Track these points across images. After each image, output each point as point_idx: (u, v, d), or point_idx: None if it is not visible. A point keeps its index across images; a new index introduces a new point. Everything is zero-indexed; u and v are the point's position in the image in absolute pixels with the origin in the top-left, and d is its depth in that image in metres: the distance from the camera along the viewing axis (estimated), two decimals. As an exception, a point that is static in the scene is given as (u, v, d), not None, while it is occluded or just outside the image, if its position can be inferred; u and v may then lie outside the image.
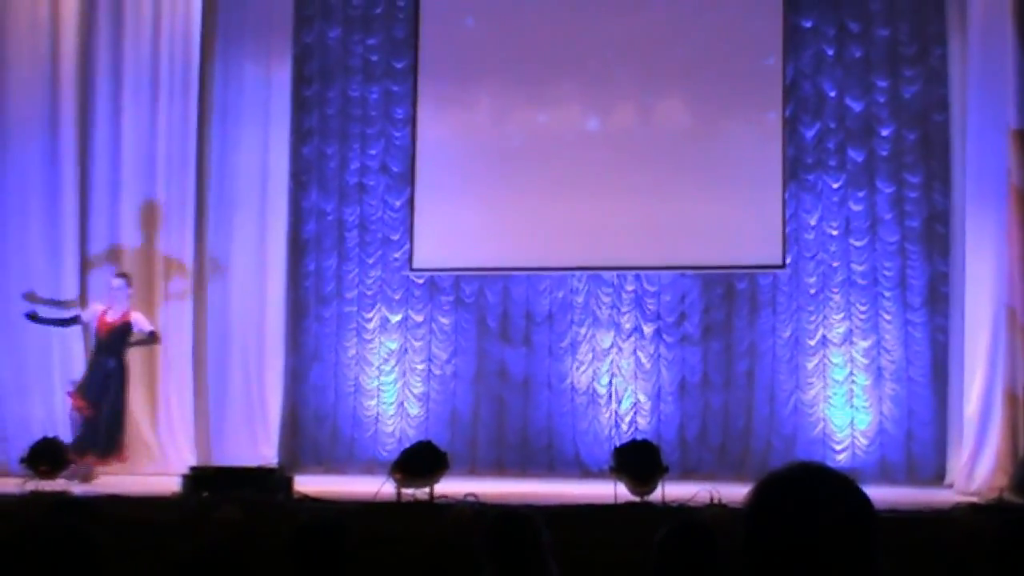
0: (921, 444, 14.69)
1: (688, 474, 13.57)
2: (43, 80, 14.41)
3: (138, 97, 14.68)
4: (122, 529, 7.24)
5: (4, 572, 4.26)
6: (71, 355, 14.20)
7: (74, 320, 14.01)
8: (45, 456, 12.18)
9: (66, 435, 13.14)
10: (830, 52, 15.25)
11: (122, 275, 13.93)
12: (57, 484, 11.77)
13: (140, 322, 13.75)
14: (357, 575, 4.97)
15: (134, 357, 14.11)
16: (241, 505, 9.88)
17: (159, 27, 14.70)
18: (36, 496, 10.66)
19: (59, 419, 13.78)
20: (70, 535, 4.32)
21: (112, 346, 13.61)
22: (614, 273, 15.53)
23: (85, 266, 14.66)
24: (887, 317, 14.91)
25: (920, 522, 9.46)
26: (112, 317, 13.59)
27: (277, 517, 9.40)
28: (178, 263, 14.86)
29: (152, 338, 13.95)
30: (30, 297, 14.03)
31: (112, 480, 12.87)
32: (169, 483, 11.52)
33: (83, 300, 14.45)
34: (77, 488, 11.57)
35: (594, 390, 15.51)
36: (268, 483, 11.22)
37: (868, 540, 2.44)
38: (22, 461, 12.10)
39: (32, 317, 13.77)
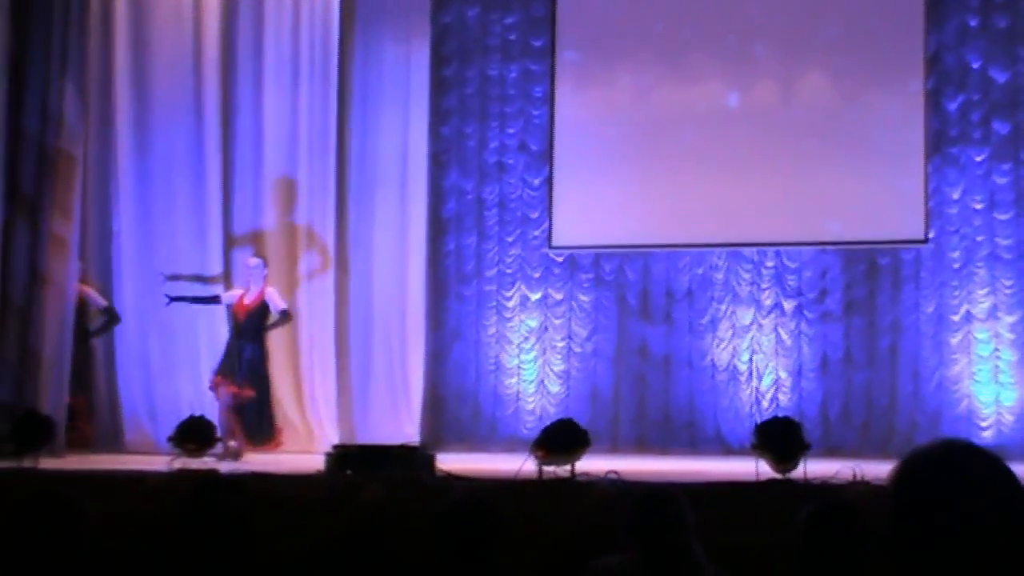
0: (1071, 421, 14.50)
1: (831, 452, 13.45)
2: (187, 65, 14.63)
3: (279, 80, 14.85)
4: (268, 507, 7.32)
5: (153, 547, 4.34)
6: (218, 336, 14.35)
7: (214, 299, 14.16)
8: (193, 434, 12.34)
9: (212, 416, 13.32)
10: (973, 22, 15.02)
11: (259, 255, 14.06)
12: (204, 462, 11.94)
13: (274, 299, 13.80)
14: (502, 553, 5.00)
15: (277, 338, 14.27)
16: (385, 483, 9.97)
17: (299, 10, 14.86)
18: (184, 474, 10.82)
19: (207, 399, 13.94)
20: (218, 512, 4.39)
21: (251, 331, 13.73)
22: (754, 249, 15.45)
23: (229, 247, 14.86)
24: (1034, 292, 14.71)
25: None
26: (250, 299, 13.68)
27: (420, 495, 9.47)
28: (320, 244, 15.01)
29: (285, 317, 13.99)
30: (173, 278, 14.21)
31: (258, 459, 13.03)
32: (314, 461, 11.62)
33: (227, 282, 14.63)
34: (224, 466, 11.72)
35: (735, 367, 15.45)
36: (411, 461, 11.28)
37: (1019, 519, 2.42)
38: (170, 439, 12.26)
39: (174, 299, 13.99)
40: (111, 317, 14.27)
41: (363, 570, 5.31)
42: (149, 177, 14.59)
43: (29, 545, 4.66)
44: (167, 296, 13.99)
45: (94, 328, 14.24)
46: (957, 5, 15.03)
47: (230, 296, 14.01)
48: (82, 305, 13.99)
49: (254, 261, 13.88)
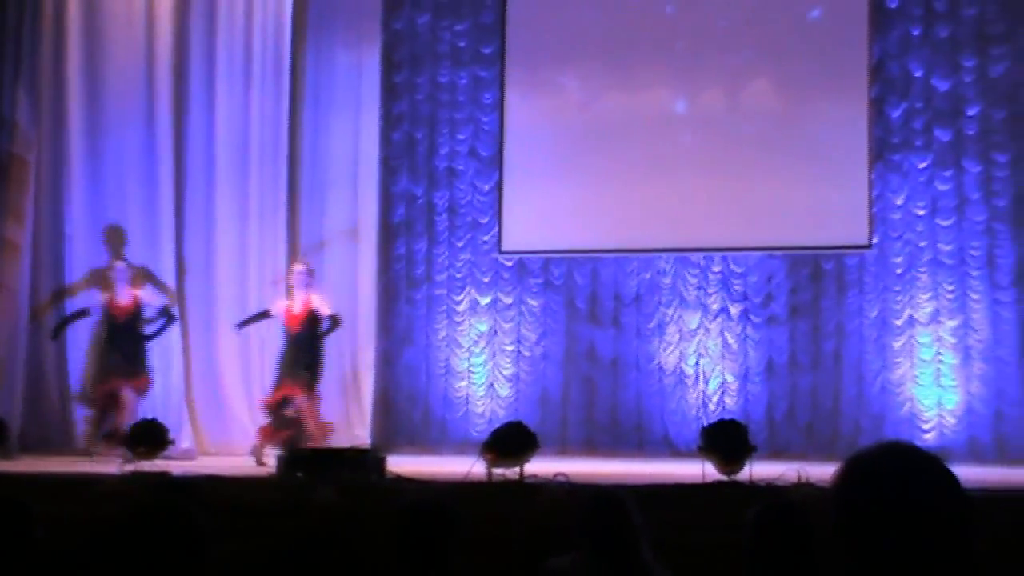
0: (1010, 423, 14.56)
1: (776, 454, 13.53)
2: (139, 69, 14.60)
3: (232, 84, 14.83)
4: (220, 509, 7.32)
5: (106, 550, 4.33)
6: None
7: (265, 314, 14.02)
8: (144, 437, 12.25)
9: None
10: (916, 32, 15.14)
11: (303, 262, 13.97)
12: (156, 465, 11.89)
13: (320, 306, 13.68)
14: (455, 554, 5.01)
15: (231, 340, 14.25)
16: (337, 487, 9.98)
17: (251, 15, 14.86)
18: (136, 476, 10.79)
19: (160, 402, 13.88)
20: (171, 515, 4.39)
21: (306, 339, 13.61)
22: (701, 254, 15.53)
23: (180, 250, 14.77)
24: (975, 297, 14.80)
25: (1011, 501, 9.41)
26: (298, 309, 13.59)
27: (372, 497, 9.49)
28: (271, 248, 14.96)
29: (334, 323, 13.87)
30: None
31: (209, 461, 13.01)
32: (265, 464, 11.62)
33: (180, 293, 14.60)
34: (175, 468, 11.67)
35: (682, 371, 15.52)
36: (362, 464, 11.28)
37: (962, 520, 2.45)
38: (122, 442, 12.26)
39: (241, 325, 13.98)
40: (168, 317, 14.13)
41: (317, 571, 5.32)
42: (101, 180, 14.55)
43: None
44: (237, 326, 14.01)
45: (153, 330, 14.07)
46: (900, 15, 15.15)
47: (278, 308, 13.88)
48: (136, 308, 13.87)
49: (299, 267, 13.74)
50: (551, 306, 15.79)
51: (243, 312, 14.43)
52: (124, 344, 13.82)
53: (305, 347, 13.57)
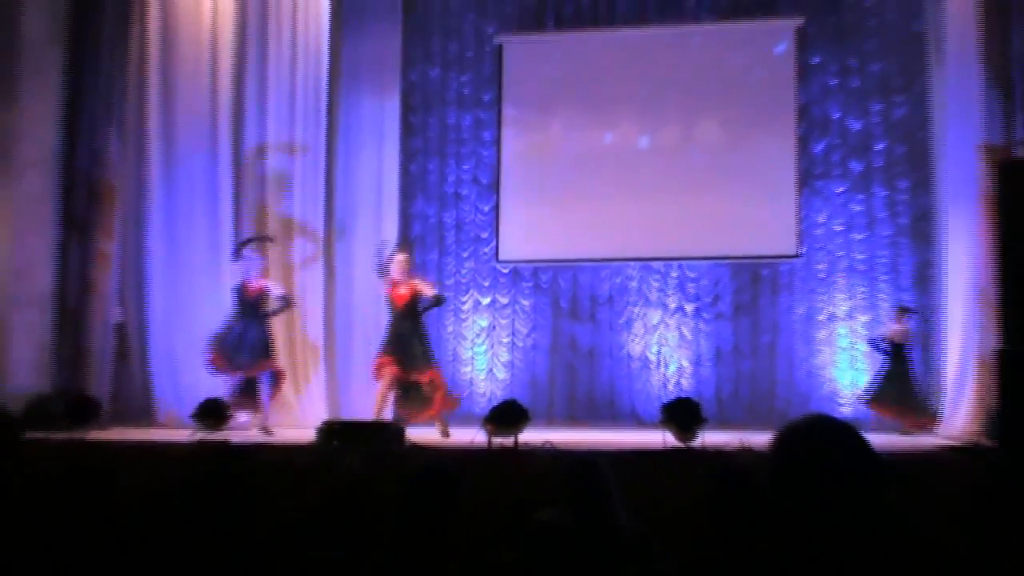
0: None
1: (723, 425, 13.46)
2: (205, 111, 14.52)
3: (279, 126, 14.76)
4: (270, 472, 7.29)
5: (177, 504, 4.32)
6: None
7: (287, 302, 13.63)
8: (210, 413, 12.26)
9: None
10: (834, 83, 15.17)
11: (403, 252, 13.45)
12: (219, 435, 11.84)
13: (423, 287, 13.04)
14: (460, 509, 4.99)
15: (278, 330, 14.18)
16: (360, 456, 9.92)
17: (295, 66, 14.78)
18: (203, 444, 10.74)
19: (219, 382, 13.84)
20: (229, 475, 4.37)
21: (408, 314, 12.98)
22: (661, 263, 15.52)
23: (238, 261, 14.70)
24: (883, 296, 14.81)
25: (910, 462, 9.40)
26: (403, 290, 12.93)
27: (392, 462, 9.45)
28: (311, 258, 14.90)
29: (436, 300, 13.17)
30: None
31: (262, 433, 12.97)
32: (307, 434, 11.57)
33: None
34: (234, 438, 11.60)
35: (646, 358, 15.50)
36: (385, 434, 11.23)
37: (873, 479, 2.44)
38: (192, 416, 12.23)
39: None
40: (287, 303, 13.78)
41: (347, 521, 5.30)
42: (174, 201, 14.48)
43: (77, 499, 4.66)
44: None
45: (272, 310, 13.70)
46: (821, 69, 15.19)
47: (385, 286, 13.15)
48: (263, 294, 13.52)
49: (401, 256, 13.18)
50: (539, 305, 15.77)
51: (286, 312, 14.27)
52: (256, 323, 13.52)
53: (412, 324, 13.01)
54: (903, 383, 13.64)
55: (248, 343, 13.17)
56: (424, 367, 12.83)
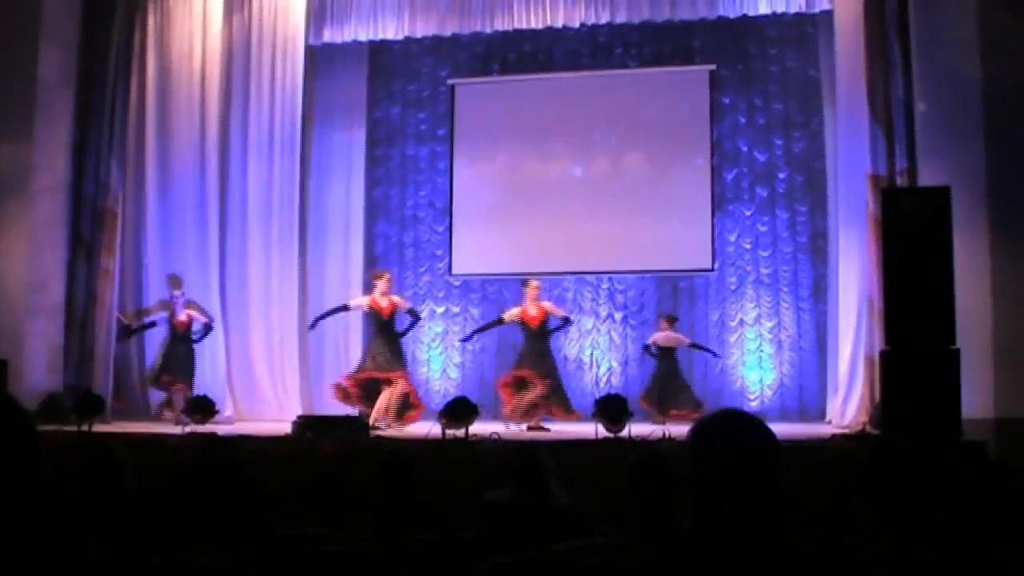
0: (809, 393, 14.73)
1: (648, 418, 13.55)
2: (195, 144, 14.38)
3: (259, 157, 14.64)
4: (252, 459, 7.28)
5: (175, 486, 4.33)
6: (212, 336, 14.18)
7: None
8: (199, 408, 12.29)
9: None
10: (743, 120, 15.32)
11: (538, 279, 13.55)
12: (207, 427, 11.81)
13: (553, 310, 13.29)
14: (419, 490, 5.03)
15: (257, 335, 14.12)
16: (336, 442, 9.93)
17: (274, 108, 14.69)
18: (193, 435, 10.70)
19: (208, 378, 13.76)
20: (217, 462, 4.39)
21: (542, 336, 13.15)
22: (594, 276, 15.58)
23: (223, 278, 14.59)
24: (785, 305, 14.96)
25: (809, 448, 9.51)
26: (533, 312, 13.12)
27: (359, 451, 9.45)
28: (288, 275, 14.79)
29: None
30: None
31: (244, 425, 12.91)
32: (283, 427, 11.54)
33: (222, 304, 14.44)
34: (221, 430, 11.56)
35: (580, 359, 15.55)
36: (353, 427, 11.24)
37: (774, 463, 2.50)
38: (183, 411, 12.26)
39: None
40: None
41: (321, 504, 5.32)
42: (169, 225, 14.38)
43: (87, 484, 4.68)
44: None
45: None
46: (732, 108, 15.34)
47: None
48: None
49: (535, 282, 13.32)
50: (487, 314, 15.72)
51: (265, 319, 14.29)
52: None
53: (542, 341, 13.12)
54: (669, 382, 13.89)
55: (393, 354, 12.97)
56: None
